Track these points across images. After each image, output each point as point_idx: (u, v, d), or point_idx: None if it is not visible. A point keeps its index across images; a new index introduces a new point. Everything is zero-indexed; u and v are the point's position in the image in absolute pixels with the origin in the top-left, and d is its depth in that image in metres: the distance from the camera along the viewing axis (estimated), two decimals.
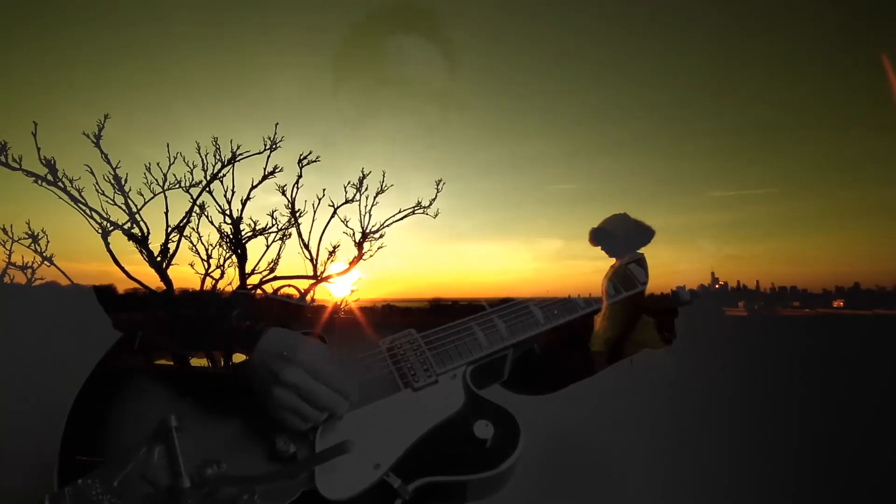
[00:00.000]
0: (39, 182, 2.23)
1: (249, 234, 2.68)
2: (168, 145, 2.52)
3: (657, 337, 1.04)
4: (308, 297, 2.69)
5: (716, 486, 3.47)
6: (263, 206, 2.82)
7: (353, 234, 2.76)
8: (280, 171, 2.66)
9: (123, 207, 2.41)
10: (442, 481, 0.77)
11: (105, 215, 2.38)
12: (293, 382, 0.72)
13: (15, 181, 2.22)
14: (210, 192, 2.60)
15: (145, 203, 2.45)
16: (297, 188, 2.72)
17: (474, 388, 0.86)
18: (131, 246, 2.42)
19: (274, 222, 2.73)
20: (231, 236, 2.65)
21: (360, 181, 2.75)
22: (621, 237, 1.09)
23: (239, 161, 2.62)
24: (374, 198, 2.78)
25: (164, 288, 2.43)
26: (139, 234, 2.41)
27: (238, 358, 0.79)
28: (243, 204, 2.64)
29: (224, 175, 2.60)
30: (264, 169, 2.64)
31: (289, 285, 2.71)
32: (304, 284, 2.71)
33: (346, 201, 2.75)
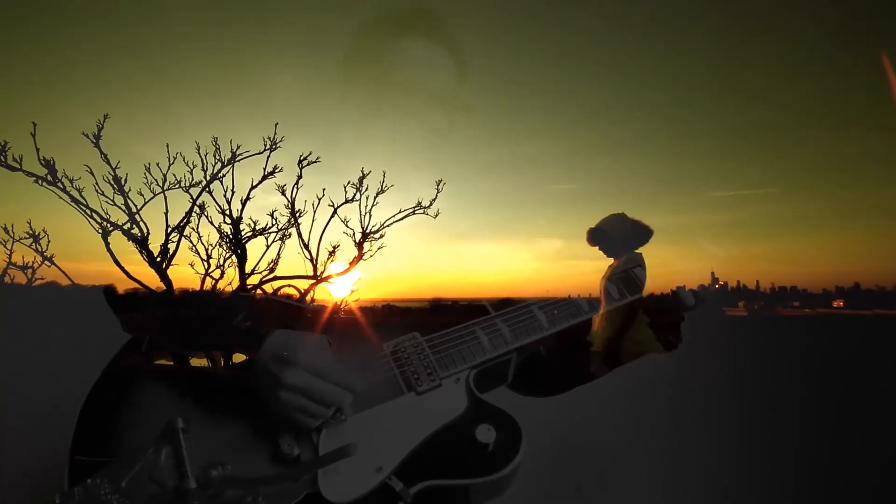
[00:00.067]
0: (40, 182, 2.23)
1: (249, 234, 2.69)
2: (168, 145, 2.52)
3: (653, 336, 1.03)
4: (308, 297, 2.69)
5: (716, 486, 3.47)
6: (263, 206, 2.82)
7: (353, 234, 2.76)
8: (280, 171, 2.67)
9: (123, 208, 2.41)
10: (444, 485, 0.77)
11: (105, 215, 2.38)
12: (295, 384, 0.73)
13: (15, 181, 2.23)
14: (210, 193, 2.61)
15: (145, 203, 2.46)
16: (297, 188, 2.72)
17: (477, 392, 0.86)
18: (131, 246, 2.43)
19: (274, 222, 2.74)
20: (231, 236, 2.65)
21: (360, 181, 2.75)
22: (619, 237, 1.09)
23: (239, 161, 2.62)
24: (375, 198, 2.78)
25: (164, 288, 2.43)
26: (139, 234, 2.41)
27: (241, 359, 0.80)
28: (243, 204, 2.65)
29: (224, 175, 2.60)
30: (264, 169, 2.65)
31: (289, 285, 2.72)
32: (304, 284, 2.71)
33: (346, 201, 2.75)
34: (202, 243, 2.67)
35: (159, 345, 0.86)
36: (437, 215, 2.88)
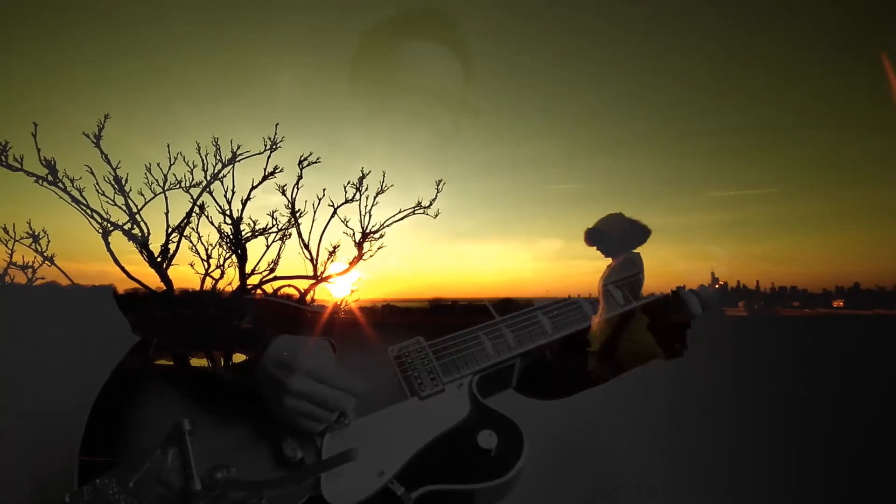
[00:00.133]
0: (40, 182, 2.23)
1: (249, 234, 2.69)
2: (168, 145, 2.52)
3: (651, 337, 1.03)
4: (308, 298, 2.69)
5: (716, 486, 3.47)
6: (263, 207, 2.82)
7: (353, 234, 2.76)
8: (280, 171, 2.67)
9: (124, 208, 2.41)
10: (445, 490, 0.78)
11: (105, 215, 2.38)
12: (300, 389, 0.74)
13: (16, 181, 2.23)
14: (210, 193, 2.60)
15: (146, 203, 2.45)
16: (298, 188, 2.72)
17: (480, 398, 0.87)
18: (131, 246, 2.42)
19: (274, 222, 2.73)
20: (231, 236, 2.65)
21: (360, 181, 2.75)
22: (617, 237, 1.07)
23: (239, 161, 2.62)
24: (374, 198, 2.78)
25: (164, 288, 2.43)
26: (139, 234, 2.41)
27: (245, 362, 0.80)
28: (243, 204, 2.65)
29: (224, 175, 2.60)
30: (264, 169, 2.64)
31: (289, 285, 2.72)
32: (304, 284, 2.71)
33: (346, 201, 2.75)
34: (202, 243, 2.67)
35: (168, 347, 0.87)
36: (436, 215, 2.88)
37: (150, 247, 2.42)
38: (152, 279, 2.43)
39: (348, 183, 2.75)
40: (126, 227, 2.39)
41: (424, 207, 2.86)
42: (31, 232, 2.50)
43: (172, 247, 2.49)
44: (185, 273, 2.61)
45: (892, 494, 3.46)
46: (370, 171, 2.76)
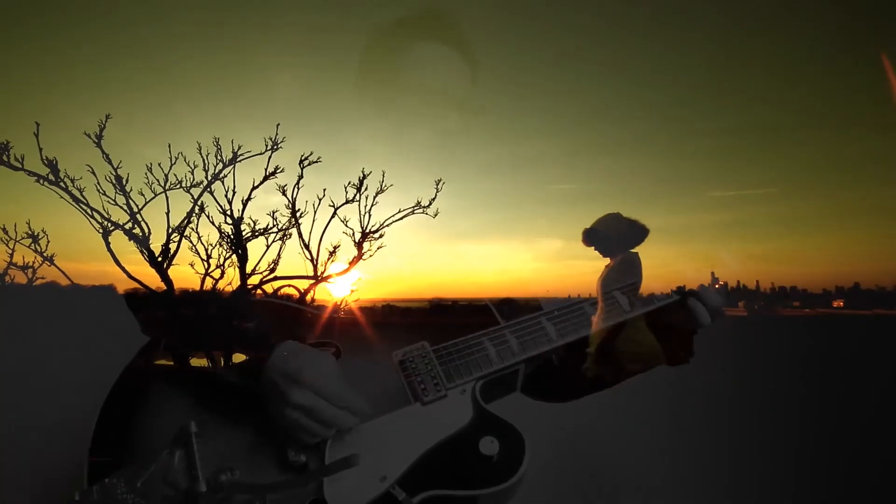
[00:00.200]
0: (41, 182, 2.23)
1: (249, 234, 2.69)
2: (169, 145, 2.52)
3: (654, 336, 1.02)
4: (308, 298, 2.69)
5: (716, 486, 3.47)
6: (264, 207, 2.82)
7: (353, 233, 2.76)
8: (281, 171, 2.67)
9: (125, 207, 2.41)
10: (446, 495, 0.78)
11: (106, 215, 2.38)
12: (302, 404, 0.74)
13: (16, 181, 2.23)
14: (211, 193, 2.60)
15: (146, 203, 2.45)
16: (298, 189, 2.72)
17: (483, 403, 0.87)
18: (131, 246, 2.42)
19: (275, 222, 2.73)
20: (231, 236, 2.65)
21: (361, 182, 2.75)
22: (615, 237, 1.07)
23: (240, 161, 2.62)
24: (374, 197, 2.78)
25: (165, 288, 2.43)
26: (140, 233, 2.41)
27: (251, 364, 0.81)
28: (244, 204, 2.65)
29: (225, 175, 2.60)
30: (265, 169, 2.65)
31: (289, 285, 2.72)
32: (304, 284, 2.71)
33: (347, 201, 2.75)
34: (202, 243, 2.67)
35: (177, 348, 0.88)
36: (436, 215, 2.88)
37: (151, 246, 2.42)
38: (152, 279, 2.43)
39: (349, 183, 2.75)
40: (127, 227, 2.39)
41: (424, 207, 2.86)
42: (30, 232, 2.50)
43: (173, 247, 2.49)
44: (185, 273, 2.61)
45: (892, 494, 3.46)
46: (371, 172, 2.77)
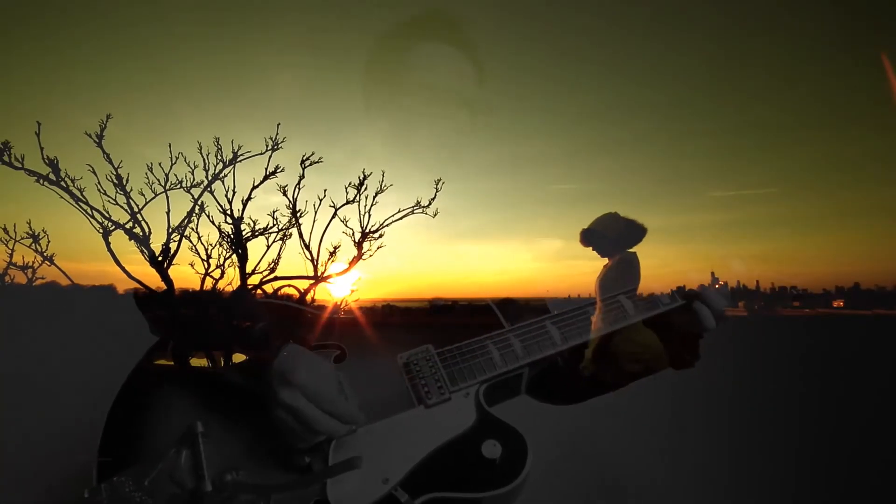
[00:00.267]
0: (42, 182, 2.23)
1: (249, 234, 2.69)
2: (170, 145, 2.52)
3: (654, 336, 1.01)
4: (308, 297, 2.69)
5: (716, 486, 3.47)
6: (264, 206, 2.82)
7: (353, 233, 2.76)
8: (282, 171, 2.67)
9: (125, 207, 2.41)
10: (448, 497, 0.79)
11: (106, 215, 2.38)
12: (289, 404, 0.74)
13: (16, 181, 2.23)
14: (211, 192, 2.60)
15: (146, 203, 2.46)
16: (299, 188, 2.72)
17: (486, 407, 0.87)
18: (131, 246, 2.42)
19: (275, 222, 2.73)
20: (232, 236, 2.65)
21: (361, 182, 2.75)
22: (612, 237, 1.06)
23: (240, 161, 2.62)
24: (374, 197, 2.78)
25: (165, 288, 2.43)
26: (141, 233, 2.41)
27: (256, 366, 0.81)
28: (244, 204, 2.65)
29: (225, 175, 2.60)
30: (265, 169, 2.65)
31: (289, 285, 2.72)
32: (304, 284, 2.71)
33: (347, 202, 2.75)
34: (202, 243, 2.67)
35: (185, 348, 0.88)
36: (435, 214, 2.88)
37: (151, 246, 2.43)
38: (152, 279, 2.43)
39: (349, 184, 2.75)
40: (127, 227, 2.39)
41: (424, 207, 2.86)
42: (31, 232, 2.50)
43: (173, 246, 2.49)
44: (186, 273, 2.61)
45: (893, 494, 3.46)
46: (371, 173, 2.77)
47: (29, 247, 2.52)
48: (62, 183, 2.27)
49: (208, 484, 0.72)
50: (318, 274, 2.70)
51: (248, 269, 2.69)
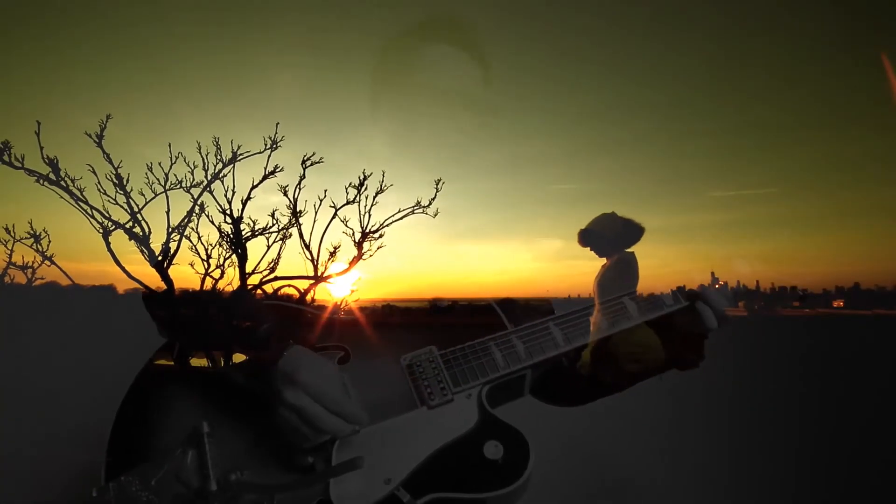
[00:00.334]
0: (42, 182, 2.23)
1: (249, 234, 2.69)
2: (169, 145, 2.52)
3: (655, 336, 1.01)
4: (308, 297, 2.69)
5: (716, 486, 3.47)
6: (264, 206, 2.82)
7: (353, 233, 2.76)
8: (281, 170, 2.67)
9: (125, 207, 2.41)
10: (450, 498, 0.79)
11: (106, 215, 2.38)
12: (293, 403, 0.75)
13: (16, 181, 2.23)
14: (211, 192, 2.60)
15: (146, 203, 2.46)
16: (300, 188, 2.72)
17: (489, 408, 0.88)
18: (131, 246, 2.42)
19: (275, 222, 2.73)
20: (231, 236, 2.65)
21: (361, 182, 2.74)
22: (610, 237, 1.06)
23: (240, 161, 2.62)
24: (374, 197, 2.78)
25: (165, 287, 2.43)
26: (140, 233, 2.41)
27: (261, 367, 0.82)
28: (244, 204, 2.65)
29: (225, 175, 2.60)
30: (265, 168, 2.64)
31: (289, 285, 2.72)
32: (304, 284, 2.71)
33: (347, 202, 2.75)
34: (202, 243, 2.67)
35: (190, 349, 0.89)
36: (436, 214, 2.88)
37: (151, 246, 2.42)
38: (152, 279, 2.43)
39: (349, 184, 2.75)
40: (127, 227, 2.39)
41: (424, 207, 2.86)
42: (31, 232, 2.50)
43: (173, 246, 2.49)
44: (186, 273, 2.61)
45: (893, 494, 3.46)
46: (371, 174, 2.77)
47: (30, 247, 2.52)
48: (62, 183, 2.27)
49: (213, 483, 0.73)
50: (318, 274, 2.70)
51: (248, 269, 2.69)
